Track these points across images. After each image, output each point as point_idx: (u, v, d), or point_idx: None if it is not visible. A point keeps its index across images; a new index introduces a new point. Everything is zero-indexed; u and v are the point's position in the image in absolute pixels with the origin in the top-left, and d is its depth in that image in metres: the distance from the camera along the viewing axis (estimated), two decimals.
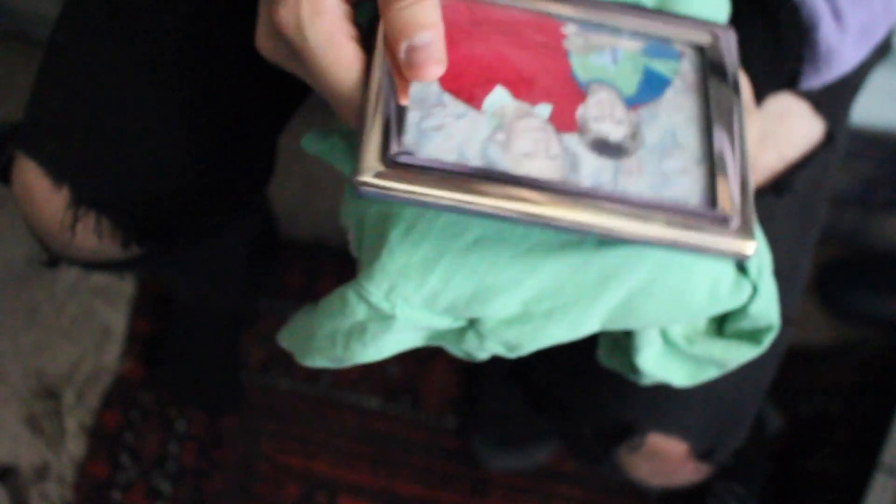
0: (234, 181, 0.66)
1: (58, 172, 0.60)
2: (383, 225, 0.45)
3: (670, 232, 0.42)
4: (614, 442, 0.65)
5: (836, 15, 0.55)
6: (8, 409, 1.12)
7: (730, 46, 0.48)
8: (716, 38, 0.48)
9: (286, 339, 0.52)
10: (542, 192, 0.42)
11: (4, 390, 1.12)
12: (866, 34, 0.57)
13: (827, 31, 0.55)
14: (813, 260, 0.69)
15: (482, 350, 0.49)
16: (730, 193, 0.43)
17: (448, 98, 0.44)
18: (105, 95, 0.60)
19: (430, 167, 0.42)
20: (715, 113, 0.45)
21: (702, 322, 0.53)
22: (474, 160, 0.43)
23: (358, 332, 0.47)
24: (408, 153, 0.42)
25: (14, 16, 1.18)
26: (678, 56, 0.47)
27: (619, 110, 0.45)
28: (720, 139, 0.45)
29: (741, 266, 0.49)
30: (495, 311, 0.46)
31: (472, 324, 0.48)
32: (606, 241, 0.45)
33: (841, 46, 0.56)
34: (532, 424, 1.07)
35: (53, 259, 0.68)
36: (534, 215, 0.41)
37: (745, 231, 0.42)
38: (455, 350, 0.52)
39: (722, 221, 0.42)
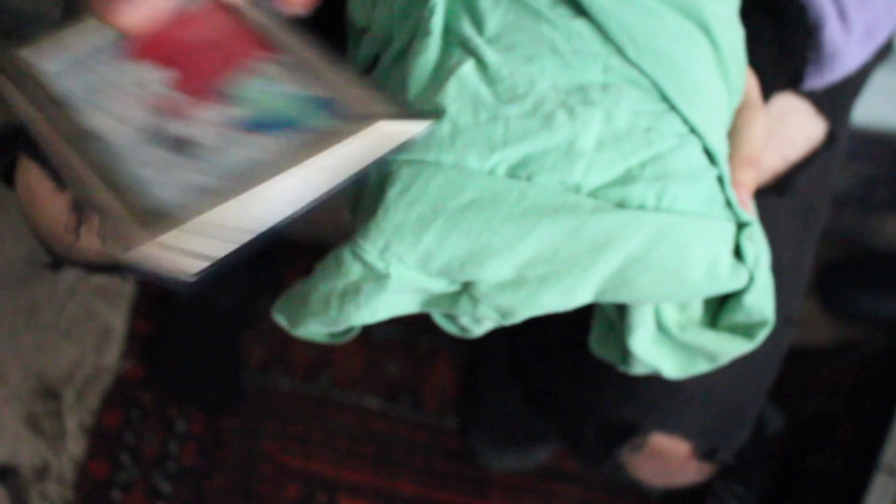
0: None
1: (61, 175, 0.60)
2: (380, 185, 0.46)
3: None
4: (617, 442, 0.65)
5: (842, 16, 0.55)
6: (8, 409, 1.12)
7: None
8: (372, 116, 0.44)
9: (280, 309, 0.52)
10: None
11: (4, 390, 1.12)
12: (870, 35, 0.57)
13: (833, 31, 0.55)
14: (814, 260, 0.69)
15: (476, 316, 0.49)
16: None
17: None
18: None
19: None
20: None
21: (696, 312, 0.53)
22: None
23: (352, 292, 0.47)
24: None
25: (14, 16, 1.18)
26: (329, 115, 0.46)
27: (220, 122, 0.44)
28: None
29: (738, 252, 0.49)
30: (489, 274, 0.46)
31: (466, 288, 0.48)
32: (600, 205, 0.45)
33: (845, 47, 0.56)
34: (532, 424, 1.07)
35: (56, 262, 0.68)
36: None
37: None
38: (449, 326, 0.52)
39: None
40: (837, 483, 1.05)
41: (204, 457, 1.11)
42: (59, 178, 0.60)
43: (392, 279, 0.46)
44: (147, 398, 1.12)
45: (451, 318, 0.54)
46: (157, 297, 1.16)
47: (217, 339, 1.10)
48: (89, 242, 0.62)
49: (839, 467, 1.07)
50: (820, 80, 0.58)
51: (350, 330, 0.53)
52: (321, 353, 1.15)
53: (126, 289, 1.17)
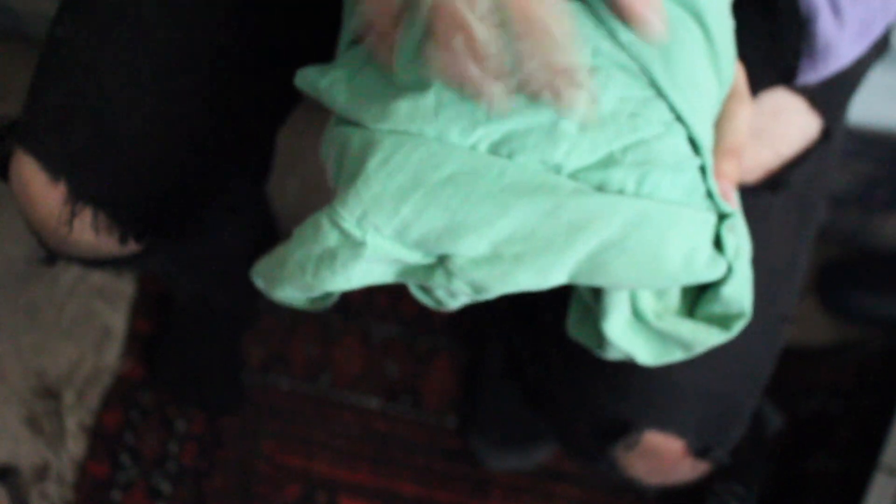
0: (231, 176, 0.66)
1: (55, 167, 0.60)
2: (363, 154, 0.46)
3: None
4: (610, 439, 0.65)
5: (835, 9, 0.55)
6: (8, 409, 1.12)
7: None
8: None
9: (259, 272, 0.52)
10: None
11: (4, 390, 1.12)
12: (865, 29, 0.57)
13: (825, 24, 0.55)
14: (812, 259, 0.68)
15: (450, 291, 0.49)
16: None
17: None
18: (103, 91, 0.60)
19: None
20: None
21: (673, 300, 0.53)
22: None
23: (328, 258, 0.48)
24: None
25: (14, 16, 1.18)
26: None
27: None
28: None
29: (718, 242, 0.49)
30: (465, 249, 0.46)
31: (442, 261, 0.48)
32: (579, 188, 0.45)
33: (839, 41, 0.56)
34: (532, 424, 1.07)
35: (51, 256, 0.68)
36: None
37: None
38: (424, 298, 0.52)
39: None
40: (837, 483, 1.05)
41: (204, 457, 1.11)
42: (52, 169, 0.60)
43: (368, 248, 0.47)
44: (147, 398, 1.12)
45: (427, 291, 0.54)
46: (157, 297, 1.16)
47: (217, 339, 1.10)
48: (83, 235, 0.62)
49: (839, 467, 1.07)
50: (814, 74, 0.58)
51: (328, 296, 0.53)
52: (321, 353, 1.15)
53: (126, 289, 1.17)
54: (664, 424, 0.63)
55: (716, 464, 0.66)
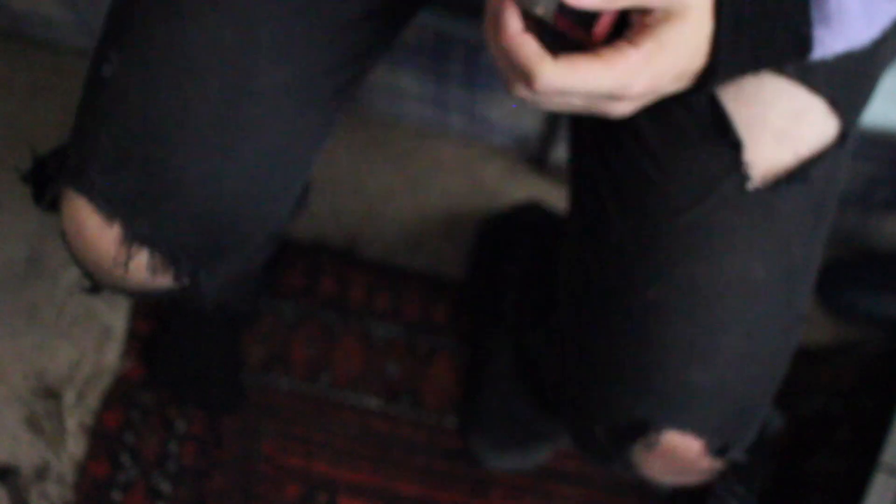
0: (278, 211, 0.66)
1: (109, 210, 0.59)
2: None
3: None
4: (629, 440, 0.64)
5: None
6: (8, 409, 1.12)
7: None
8: None
9: None
10: None
11: (4, 390, 1.12)
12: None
13: None
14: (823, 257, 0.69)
15: None
16: None
17: None
18: (155, 133, 0.59)
19: None
20: None
21: None
22: None
23: None
24: None
25: (13, 16, 1.18)
26: None
27: None
28: None
29: None
30: None
31: None
32: None
33: (850, 2, 0.54)
34: (532, 424, 1.07)
35: (95, 286, 0.67)
36: None
37: None
38: None
39: None
40: (837, 483, 1.05)
41: (204, 457, 1.11)
42: (107, 211, 0.59)
43: None
44: (147, 398, 1.12)
45: None
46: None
47: (217, 339, 1.10)
48: (137, 273, 0.61)
49: (839, 467, 1.07)
50: (830, 42, 0.55)
51: None
52: (321, 353, 1.15)
53: None
54: (683, 425, 0.63)
55: (732, 463, 0.67)
